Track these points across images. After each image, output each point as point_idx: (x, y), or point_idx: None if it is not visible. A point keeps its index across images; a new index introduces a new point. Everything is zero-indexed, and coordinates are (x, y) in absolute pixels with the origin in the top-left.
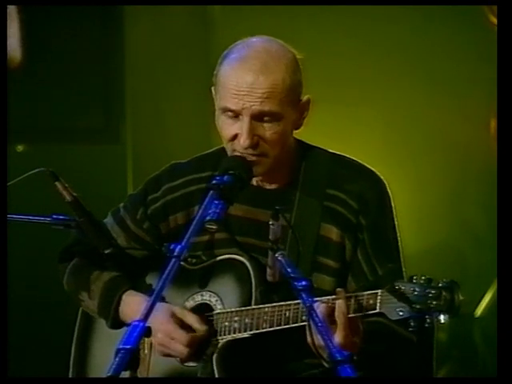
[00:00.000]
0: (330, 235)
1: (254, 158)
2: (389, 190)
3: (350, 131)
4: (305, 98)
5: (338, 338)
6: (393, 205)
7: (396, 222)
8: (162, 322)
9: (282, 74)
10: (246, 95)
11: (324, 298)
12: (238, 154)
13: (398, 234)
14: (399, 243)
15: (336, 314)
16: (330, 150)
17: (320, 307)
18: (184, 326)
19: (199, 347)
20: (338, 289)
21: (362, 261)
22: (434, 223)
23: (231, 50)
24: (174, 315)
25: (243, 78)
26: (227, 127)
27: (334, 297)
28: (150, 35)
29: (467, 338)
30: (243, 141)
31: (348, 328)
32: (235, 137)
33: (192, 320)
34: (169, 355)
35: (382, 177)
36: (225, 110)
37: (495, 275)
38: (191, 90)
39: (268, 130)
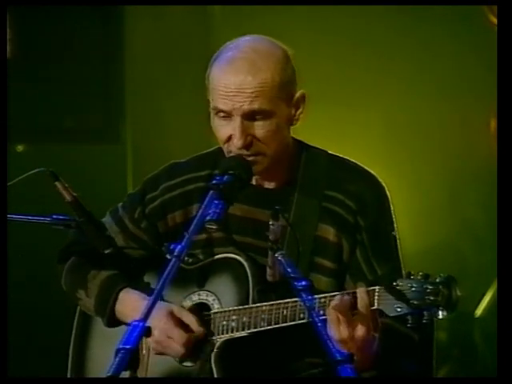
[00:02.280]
0: (327, 236)
1: (249, 158)
2: (387, 192)
3: (349, 133)
4: (298, 93)
5: (360, 331)
6: (391, 206)
7: (395, 223)
8: (160, 320)
9: (271, 71)
10: (235, 96)
11: (344, 292)
12: (234, 154)
13: (397, 235)
14: (398, 243)
15: (359, 306)
16: (329, 151)
17: (343, 300)
18: (181, 325)
19: (195, 347)
20: (359, 282)
21: (361, 261)
22: (433, 223)
23: (221, 51)
24: (171, 314)
25: (231, 79)
26: (221, 129)
27: (353, 290)
28: (150, 35)
29: (467, 337)
30: (236, 141)
31: (371, 321)
32: (230, 138)
33: (190, 319)
34: (164, 354)
35: (380, 180)
36: (217, 111)
37: (495, 275)
38: (191, 90)
39: (261, 128)
